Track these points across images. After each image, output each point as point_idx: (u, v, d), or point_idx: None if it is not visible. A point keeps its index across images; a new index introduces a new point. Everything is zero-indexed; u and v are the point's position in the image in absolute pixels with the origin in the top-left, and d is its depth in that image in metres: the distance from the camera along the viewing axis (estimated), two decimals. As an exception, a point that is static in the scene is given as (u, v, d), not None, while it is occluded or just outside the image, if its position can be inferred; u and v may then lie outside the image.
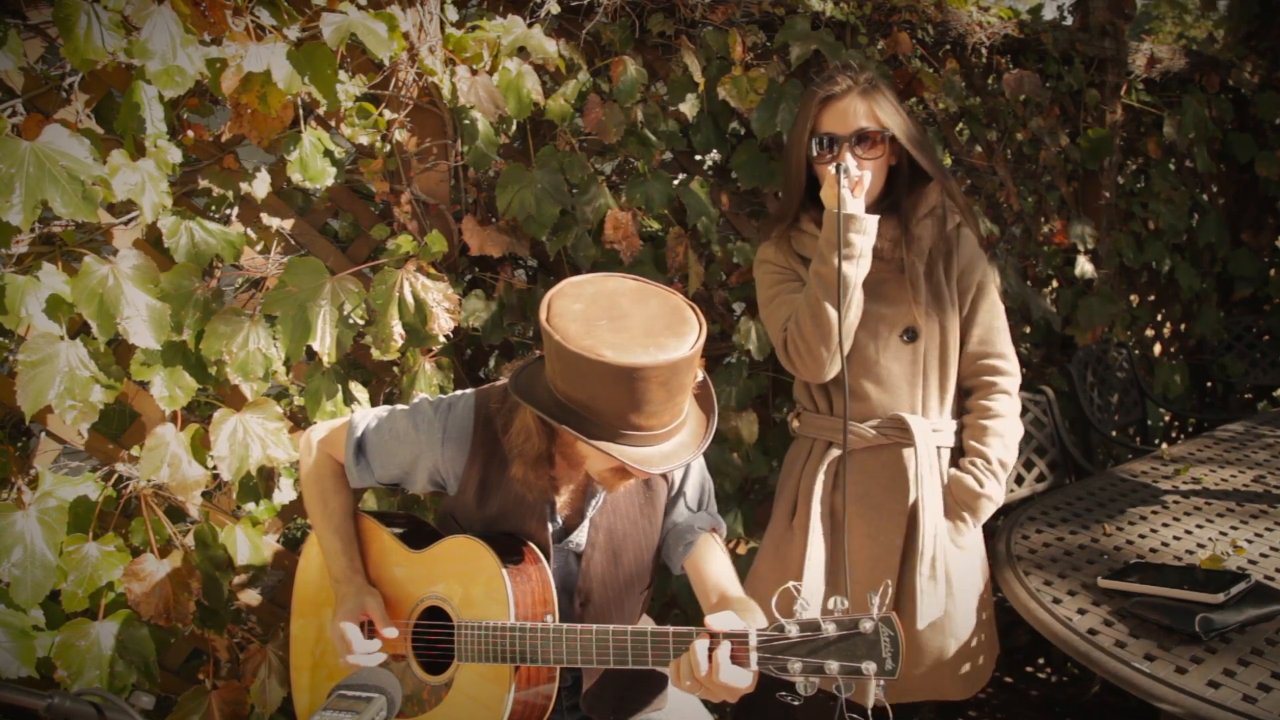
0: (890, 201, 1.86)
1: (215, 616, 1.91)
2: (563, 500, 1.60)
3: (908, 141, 1.78)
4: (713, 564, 1.60)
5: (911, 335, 1.80)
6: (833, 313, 1.68)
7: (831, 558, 1.86)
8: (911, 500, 1.82)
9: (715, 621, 1.27)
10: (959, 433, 1.88)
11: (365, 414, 1.64)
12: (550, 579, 1.52)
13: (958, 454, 1.88)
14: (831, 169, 1.69)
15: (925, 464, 1.79)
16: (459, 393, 1.64)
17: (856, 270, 1.70)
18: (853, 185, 1.69)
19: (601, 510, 1.59)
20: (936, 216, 1.86)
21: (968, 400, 1.89)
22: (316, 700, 1.68)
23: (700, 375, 1.43)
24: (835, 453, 1.83)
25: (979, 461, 1.82)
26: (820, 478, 1.86)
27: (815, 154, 1.79)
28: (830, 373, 1.77)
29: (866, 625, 1.17)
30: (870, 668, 1.16)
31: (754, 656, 1.22)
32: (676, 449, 1.38)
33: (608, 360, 1.26)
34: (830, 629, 1.18)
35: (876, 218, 1.71)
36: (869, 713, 1.18)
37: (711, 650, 1.25)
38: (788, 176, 1.89)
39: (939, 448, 1.85)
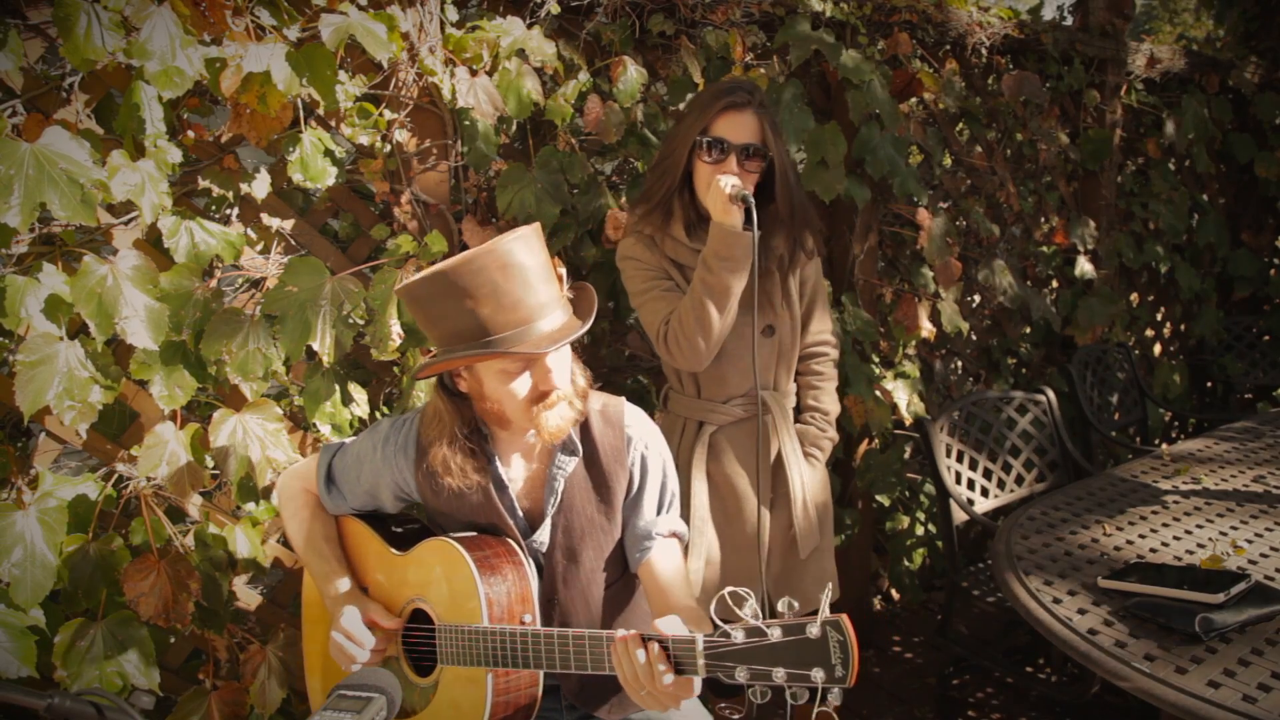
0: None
1: (215, 617, 1.91)
2: (519, 490, 1.60)
3: (780, 171, 1.97)
4: (665, 570, 1.58)
5: (770, 331, 2.09)
6: (715, 314, 1.92)
7: (718, 517, 2.14)
8: (774, 459, 2.14)
9: (663, 625, 1.25)
10: (797, 393, 2.24)
11: (333, 444, 1.69)
12: (529, 577, 1.51)
13: (796, 410, 2.24)
14: (723, 185, 1.85)
15: (784, 429, 2.10)
16: (420, 408, 1.68)
17: (738, 282, 1.91)
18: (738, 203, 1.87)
19: (560, 509, 1.59)
20: (786, 228, 2.09)
21: (803, 364, 2.24)
22: None
23: (563, 271, 1.48)
24: (710, 429, 2.11)
25: (818, 415, 2.21)
26: (699, 452, 2.11)
27: (708, 156, 1.93)
28: (705, 364, 2.01)
29: (813, 630, 1.11)
30: (819, 675, 1.09)
31: (701, 663, 1.18)
32: (559, 329, 1.40)
33: (440, 269, 1.34)
34: (776, 634, 1.12)
35: (756, 234, 1.87)
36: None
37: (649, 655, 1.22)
38: (664, 163, 2.02)
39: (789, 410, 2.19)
